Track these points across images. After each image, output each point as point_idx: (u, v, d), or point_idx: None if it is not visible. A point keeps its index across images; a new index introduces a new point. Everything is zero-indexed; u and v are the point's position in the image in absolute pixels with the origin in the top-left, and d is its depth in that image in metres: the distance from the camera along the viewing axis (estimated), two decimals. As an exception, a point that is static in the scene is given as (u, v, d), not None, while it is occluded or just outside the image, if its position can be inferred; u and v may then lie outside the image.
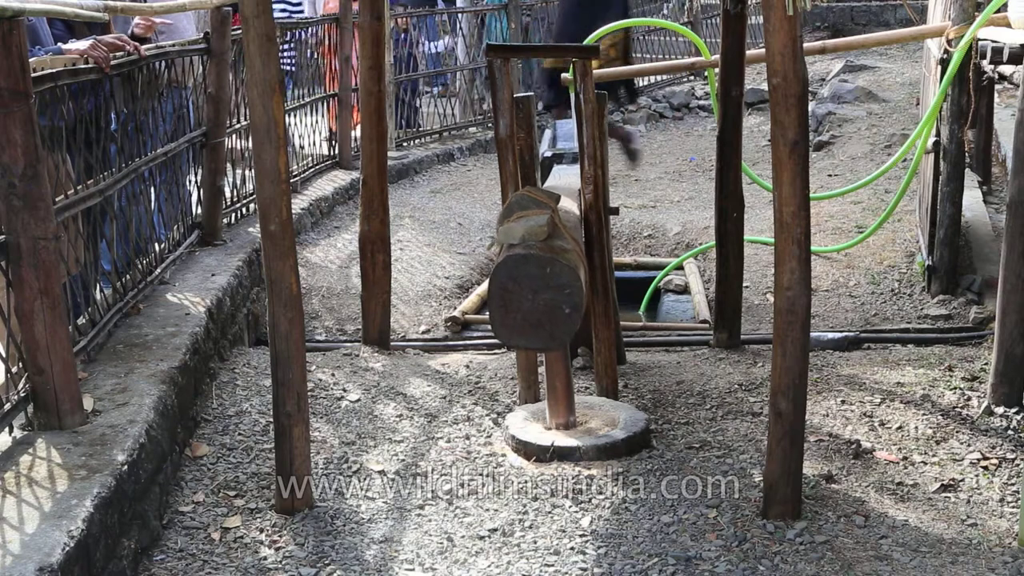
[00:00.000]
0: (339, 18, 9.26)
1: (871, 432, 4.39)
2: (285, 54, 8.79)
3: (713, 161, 5.73)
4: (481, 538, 3.63)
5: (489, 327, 6.13)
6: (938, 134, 6.03)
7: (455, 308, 6.75)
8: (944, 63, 5.77)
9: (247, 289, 5.87)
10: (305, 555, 3.55)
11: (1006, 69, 5.70)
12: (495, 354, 5.73)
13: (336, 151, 9.47)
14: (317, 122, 9.27)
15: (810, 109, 10.44)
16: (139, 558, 3.45)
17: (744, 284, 6.10)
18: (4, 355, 3.64)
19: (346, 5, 9.16)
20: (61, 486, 3.24)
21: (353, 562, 3.51)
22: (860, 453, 4.17)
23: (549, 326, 4.02)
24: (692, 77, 13.80)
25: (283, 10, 10.93)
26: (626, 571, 3.40)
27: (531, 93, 4.89)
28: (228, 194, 6.47)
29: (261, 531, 3.69)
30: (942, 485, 3.92)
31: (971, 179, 7.41)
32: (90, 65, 4.35)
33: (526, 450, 4.23)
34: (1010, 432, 4.29)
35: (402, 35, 11.17)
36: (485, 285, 4.99)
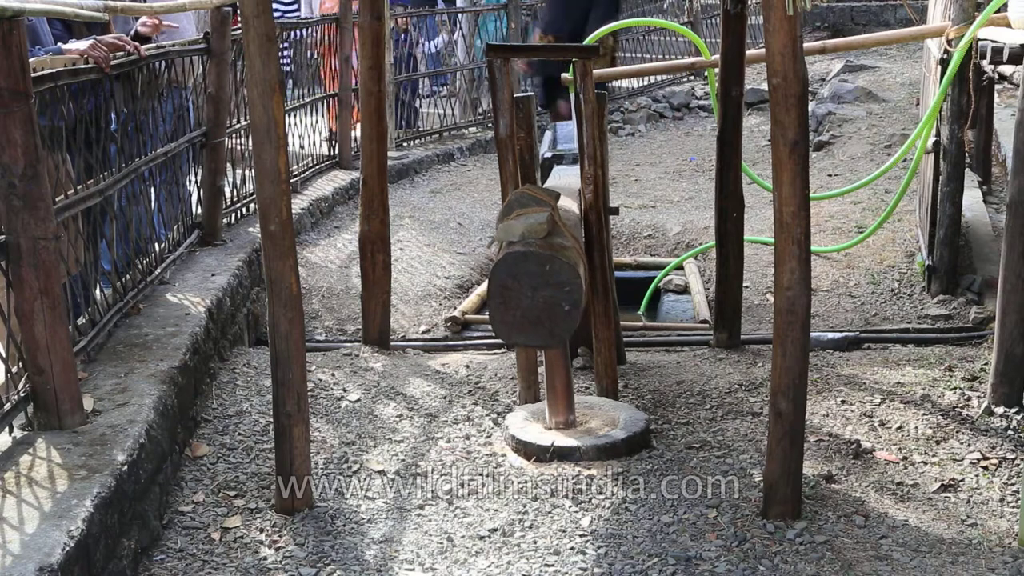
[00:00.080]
0: (339, 18, 9.26)
1: (871, 432, 4.39)
2: (283, 54, 8.79)
3: (713, 161, 5.73)
4: (481, 538, 3.63)
5: (489, 327, 6.15)
6: (938, 134, 6.03)
7: (455, 308, 6.75)
8: (944, 63, 5.77)
9: (247, 289, 5.87)
10: (305, 555, 3.55)
11: (1006, 69, 5.70)
12: (495, 354, 5.74)
13: (336, 151, 9.47)
14: (317, 122, 9.27)
15: (810, 109, 10.44)
16: (139, 558, 3.45)
17: (744, 284, 6.10)
18: (4, 355, 3.64)
19: (346, 5, 9.16)
20: (61, 486, 3.24)
21: (353, 562, 3.51)
22: (860, 453, 4.17)
23: (549, 323, 4.02)
24: (692, 77, 13.80)
25: (275, 10, 10.91)
26: (626, 571, 3.40)
27: (531, 93, 4.89)
28: (228, 194, 6.48)
29: (261, 531, 3.69)
30: (942, 485, 3.92)
31: (971, 179, 7.41)
32: (90, 65, 4.35)
33: (526, 450, 4.23)
34: (1010, 432, 4.29)
35: (402, 35, 11.17)
36: (485, 285, 4.99)
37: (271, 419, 3.95)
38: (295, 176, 8.31)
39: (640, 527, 3.65)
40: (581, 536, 3.62)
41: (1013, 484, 3.90)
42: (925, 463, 4.11)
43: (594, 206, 4.61)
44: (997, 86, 8.16)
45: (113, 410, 3.81)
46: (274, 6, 11.12)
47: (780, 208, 3.50)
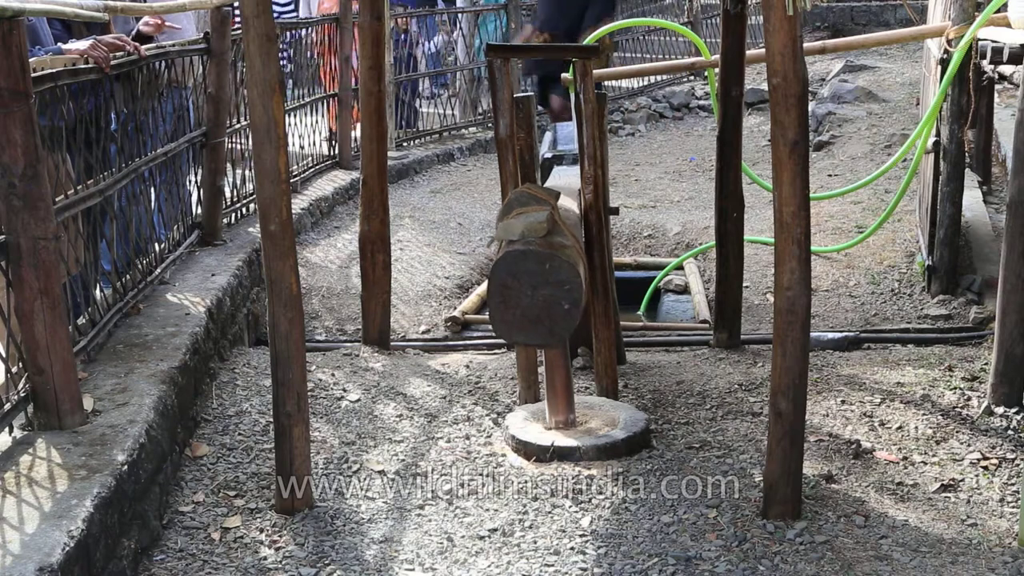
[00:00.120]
0: (339, 18, 9.26)
1: (871, 432, 4.39)
2: (282, 54, 8.78)
3: (713, 161, 5.73)
4: (481, 538, 3.63)
5: (489, 327, 6.15)
6: (938, 134, 6.03)
7: (455, 308, 6.75)
8: (944, 63, 5.77)
9: (247, 289, 5.87)
10: (305, 555, 3.55)
11: (1006, 69, 5.70)
12: (495, 354, 5.74)
13: (336, 151, 9.47)
14: (317, 122, 9.27)
15: (810, 109, 10.44)
16: (139, 558, 3.45)
17: (744, 284, 6.10)
18: (4, 355, 3.64)
19: (346, 5, 9.16)
20: (61, 486, 3.24)
21: (353, 562, 3.51)
22: (860, 453, 4.17)
23: (548, 322, 4.03)
24: (692, 77, 13.80)
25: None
26: (626, 571, 3.40)
27: (531, 93, 4.89)
28: (228, 194, 6.48)
29: (261, 531, 3.69)
30: (942, 485, 3.92)
31: (971, 179, 7.41)
32: (90, 65, 4.35)
33: (526, 450, 4.23)
34: (1010, 432, 4.29)
35: (402, 35, 11.17)
36: (485, 285, 5.00)
37: (271, 419, 3.95)
38: (295, 176, 8.31)
39: (640, 527, 3.65)
40: (581, 536, 3.62)
41: (1013, 484, 3.90)
42: (925, 463, 4.11)
43: (594, 206, 4.61)
44: (997, 86, 8.16)
45: (113, 410, 3.81)
46: (270, 6, 11.10)
47: (780, 208, 3.50)
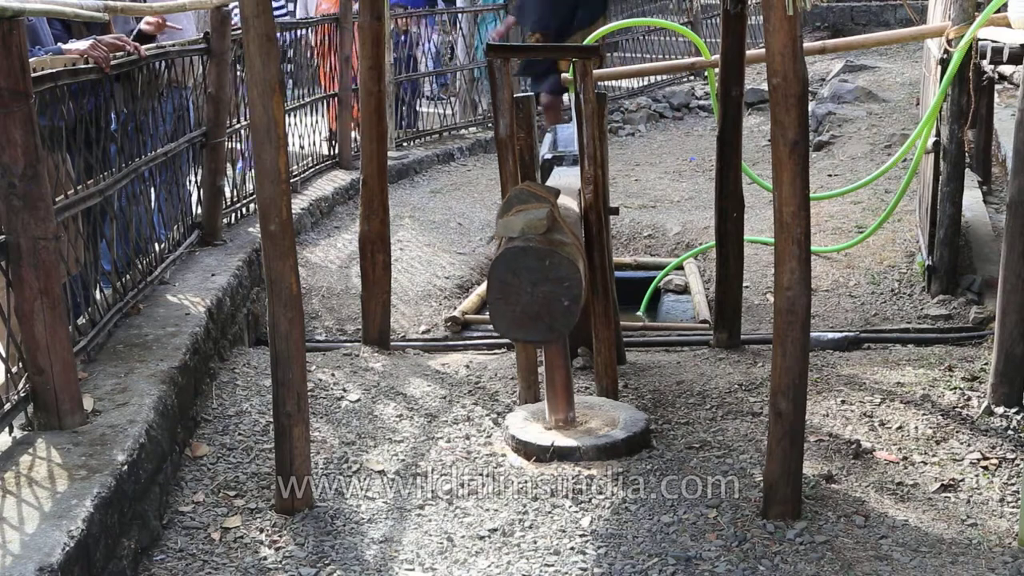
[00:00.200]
0: (339, 18, 9.26)
1: (871, 432, 4.39)
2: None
3: (713, 161, 5.73)
4: (481, 538, 3.63)
5: (489, 327, 6.16)
6: (938, 134, 6.03)
7: (455, 308, 6.75)
8: (944, 63, 5.77)
9: (247, 289, 5.87)
10: (305, 555, 3.55)
11: (1006, 69, 5.70)
12: (495, 354, 5.74)
13: (336, 151, 9.47)
14: (317, 122, 9.27)
15: (810, 109, 10.44)
16: (139, 558, 3.45)
17: (744, 284, 6.10)
18: (4, 355, 3.64)
19: (346, 5, 9.16)
20: (61, 486, 3.24)
21: (353, 562, 3.51)
22: (860, 453, 4.17)
23: (548, 319, 4.03)
24: (692, 77, 13.80)
25: None
26: (626, 571, 3.40)
27: (530, 93, 4.89)
28: (228, 194, 6.48)
29: (261, 531, 3.69)
30: (942, 485, 3.92)
31: (971, 179, 7.41)
32: (90, 65, 4.35)
33: (526, 450, 4.23)
34: (1010, 432, 4.29)
35: (402, 37, 11.17)
36: (485, 285, 5.00)
37: (271, 419, 3.95)
38: (295, 176, 8.31)
39: (640, 527, 3.65)
40: (581, 536, 3.62)
41: (1013, 484, 3.90)
42: (925, 463, 4.11)
43: (594, 206, 4.61)
44: (997, 86, 8.16)
45: (113, 410, 3.81)
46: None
47: (780, 208, 3.50)
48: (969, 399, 4.63)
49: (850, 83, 11.71)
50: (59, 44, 4.62)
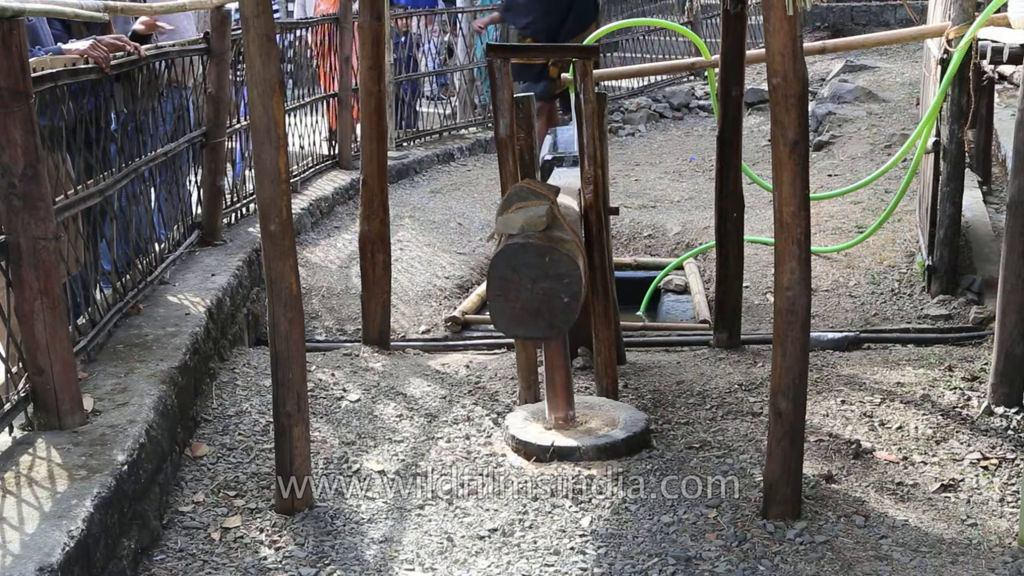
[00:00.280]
0: (339, 18, 9.26)
1: (871, 432, 4.39)
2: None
3: (713, 161, 5.73)
4: (481, 538, 3.63)
5: (489, 327, 6.16)
6: (938, 134, 6.03)
7: (455, 308, 6.75)
8: (944, 63, 5.78)
9: (247, 289, 5.87)
10: (305, 555, 3.55)
11: (1006, 69, 5.70)
12: (495, 354, 5.74)
13: (336, 151, 9.47)
14: (317, 122, 9.27)
15: (810, 109, 10.44)
16: (139, 558, 3.45)
17: (744, 284, 6.10)
18: (4, 355, 3.64)
19: (346, 5, 9.16)
20: (61, 486, 3.24)
21: (353, 562, 3.51)
22: (860, 453, 4.17)
23: (548, 315, 4.03)
24: (692, 77, 13.80)
25: None
26: (626, 571, 3.40)
27: (531, 93, 4.89)
28: (228, 194, 6.48)
29: (261, 531, 3.69)
30: (942, 485, 3.92)
31: (971, 179, 7.41)
32: (90, 65, 4.35)
33: (526, 450, 4.23)
34: (1010, 432, 4.29)
35: (402, 38, 11.17)
36: (485, 285, 5.00)
37: (271, 419, 3.95)
38: (295, 176, 8.31)
39: (640, 527, 3.65)
40: (581, 536, 3.62)
41: (1013, 484, 3.90)
42: (925, 463, 4.11)
43: (594, 206, 4.61)
44: (997, 86, 8.16)
45: (113, 410, 3.81)
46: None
47: (780, 208, 3.50)
48: (969, 399, 4.63)
49: (850, 83, 11.71)
50: (59, 44, 4.62)
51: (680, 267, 7.45)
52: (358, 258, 5.69)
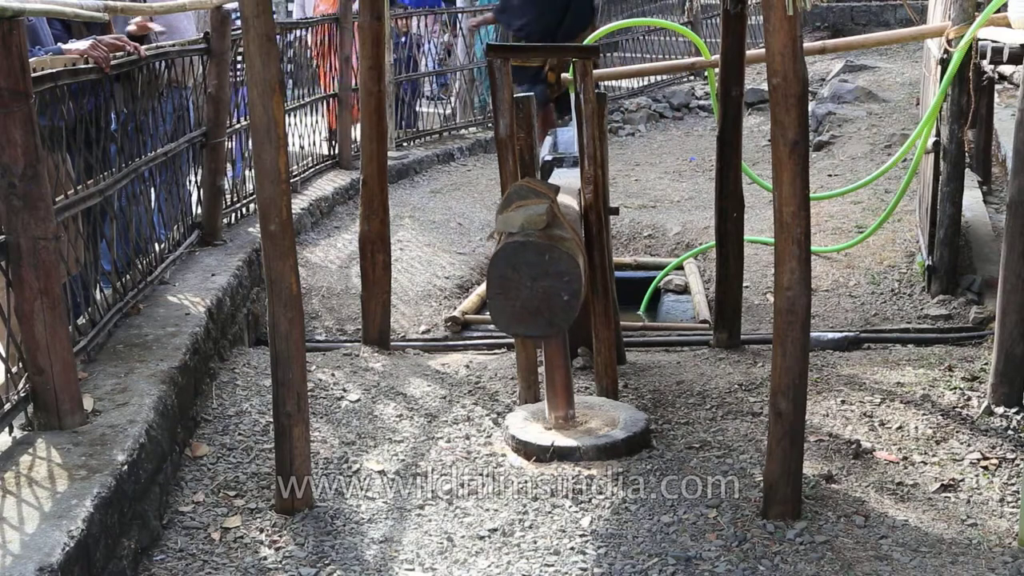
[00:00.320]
0: (339, 18, 9.27)
1: (871, 432, 4.39)
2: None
3: (713, 161, 5.73)
4: (481, 538, 3.63)
5: (489, 327, 6.16)
6: (938, 134, 6.03)
7: (455, 308, 6.75)
8: (944, 63, 5.77)
9: (247, 289, 5.87)
10: (305, 555, 3.55)
11: (1006, 69, 5.70)
12: (495, 354, 5.74)
13: (336, 151, 9.47)
14: (317, 122, 9.27)
15: (810, 109, 10.44)
16: (139, 558, 3.45)
17: (744, 284, 6.10)
18: (4, 355, 3.64)
19: (346, 5, 9.16)
20: (61, 486, 3.24)
21: (353, 562, 3.51)
22: (860, 453, 4.17)
23: (548, 313, 4.03)
24: (692, 77, 13.80)
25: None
26: (626, 571, 3.40)
27: (531, 93, 4.89)
28: (228, 194, 6.48)
29: (261, 531, 3.69)
30: (942, 485, 3.92)
31: (971, 179, 7.41)
32: (90, 65, 4.35)
33: (526, 450, 4.23)
34: (1010, 432, 4.29)
35: (402, 38, 11.16)
36: (485, 285, 5.00)
37: (271, 419, 3.95)
38: (295, 176, 8.31)
39: (640, 527, 3.65)
40: (581, 536, 3.62)
41: (1013, 484, 3.90)
42: (925, 463, 4.11)
43: (594, 206, 4.61)
44: (997, 86, 8.16)
45: (113, 410, 3.81)
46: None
47: (780, 208, 3.50)
48: (969, 399, 4.63)
49: (850, 83, 11.71)
50: (59, 44, 4.62)
51: (680, 267, 7.45)
52: (358, 258, 5.69)
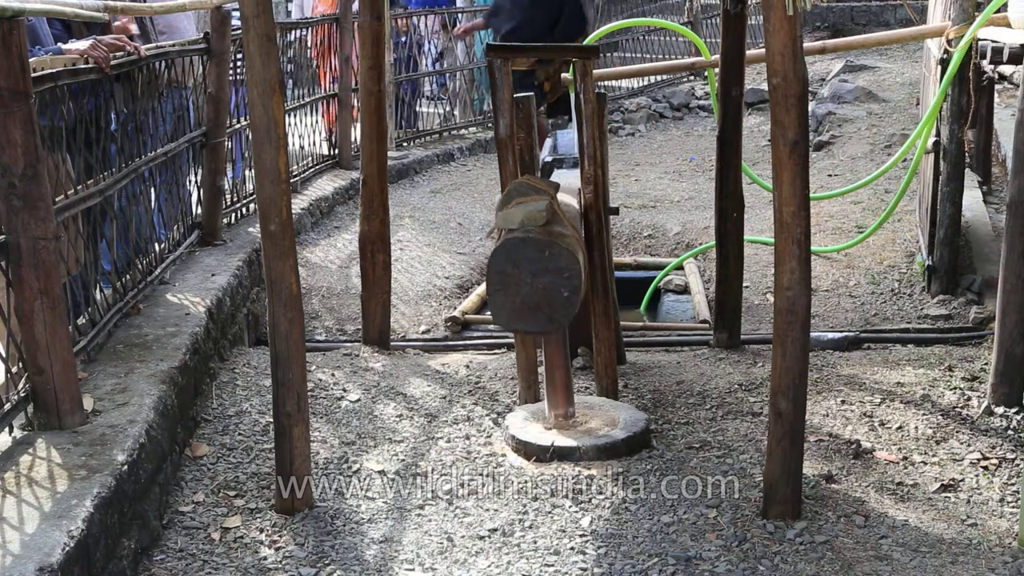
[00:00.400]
0: (339, 18, 9.27)
1: (871, 432, 4.39)
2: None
3: (713, 161, 5.73)
4: (481, 538, 3.63)
5: (489, 327, 6.16)
6: (938, 134, 6.03)
7: (455, 308, 6.75)
8: (944, 63, 5.77)
9: (247, 289, 5.87)
10: (305, 555, 3.55)
11: (1006, 69, 5.70)
12: (495, 354, 5.74)
13: (336, 151, 9.47)
14: (317, 122, 9.27)
15: (810, 109, 10.44)
16: (139, 558, 3.45)
17: (744, 284, 6.10)
18: (4, 355, 3.64)
19: (346, 5, 9.16)
20: (61, 486, 3.24)
21: (353, 562, 3.51)
22: (860, 453, 4.17)
23: (548, 309, 4.03)
24: (692, 77, 13.80)
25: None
26: (626, 571, 3.40)
27: (530, 93, 4.89)
28: (228, 194, 6.48)
29: (261, 531, 3.69)
30: (942, 485, 3.92)
31: (971, 179, 7.41)
32: (90, 65, 4.35)
33: (526, 450, 4.23)
34: (1010, 432, 4.29)
35: (402, 38, 11.16)
36: (485, 285, 5.01)
37: (271, 419, 3.95)
38: (295, 176, 8.31)
39: (640, 527, 3.65)
40: (581, 536, 3.62)
41: (1013, 484, 3.90)
42: (925, 463, 4.11)
43: (594, 206, 4.61)
44: (997, 86, 8.16)
45: (113, 410, 3.81)
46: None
47: (780, 208, 3.50)
48: (969, 399, 4.63)
49: (850, 83, 11.71)
50: (59, 44, 4.62)
51: (680, 267, 7.45)
52: (358, 258, 5.69)
